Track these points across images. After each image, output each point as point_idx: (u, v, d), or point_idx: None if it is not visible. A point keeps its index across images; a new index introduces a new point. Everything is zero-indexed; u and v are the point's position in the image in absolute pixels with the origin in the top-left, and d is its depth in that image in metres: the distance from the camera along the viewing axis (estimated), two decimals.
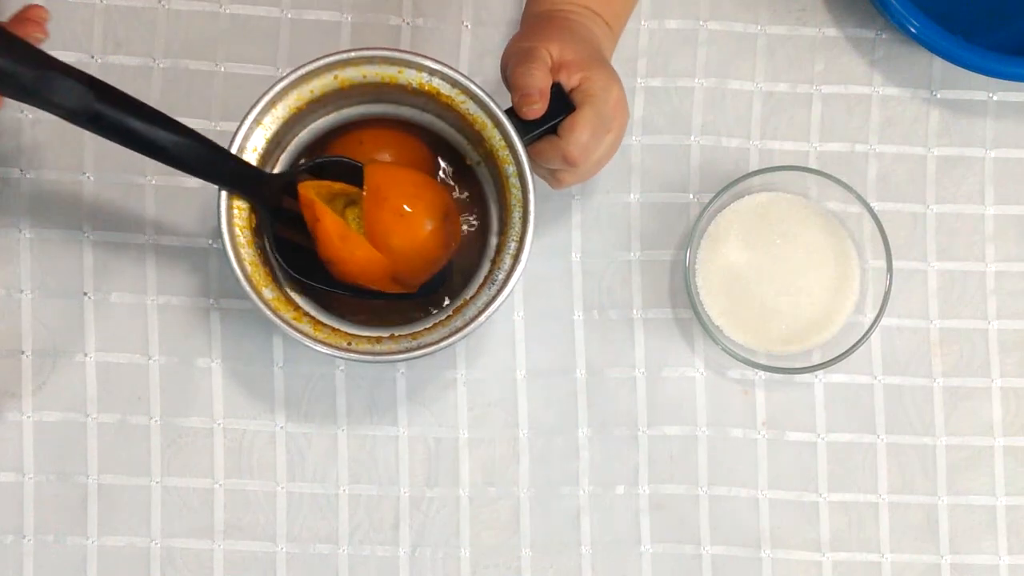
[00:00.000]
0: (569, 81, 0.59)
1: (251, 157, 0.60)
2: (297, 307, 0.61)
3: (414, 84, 0.60)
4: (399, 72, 0.60)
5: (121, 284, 0.70)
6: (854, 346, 0.68)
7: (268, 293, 0.60)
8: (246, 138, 0.60)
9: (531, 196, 0.60)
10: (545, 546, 0.70)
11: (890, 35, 0.72)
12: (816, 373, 0.71)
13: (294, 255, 0.61)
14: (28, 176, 0.70)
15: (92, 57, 0.70)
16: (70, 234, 0.70)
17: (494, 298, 0.60)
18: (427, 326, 0.61)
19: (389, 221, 0.60)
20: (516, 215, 0.60)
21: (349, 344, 0.60)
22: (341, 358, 0.60)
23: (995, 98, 0.72)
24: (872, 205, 0.69)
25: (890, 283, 0.68)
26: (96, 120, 0.55)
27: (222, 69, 0.71)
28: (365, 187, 0.60)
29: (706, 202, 0.69)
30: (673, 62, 0.72)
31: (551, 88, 0.60)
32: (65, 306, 0.70)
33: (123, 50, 0.71)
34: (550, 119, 0.60)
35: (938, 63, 0.72)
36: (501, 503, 0.70)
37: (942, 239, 0.72)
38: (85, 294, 0.70)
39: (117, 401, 0.70)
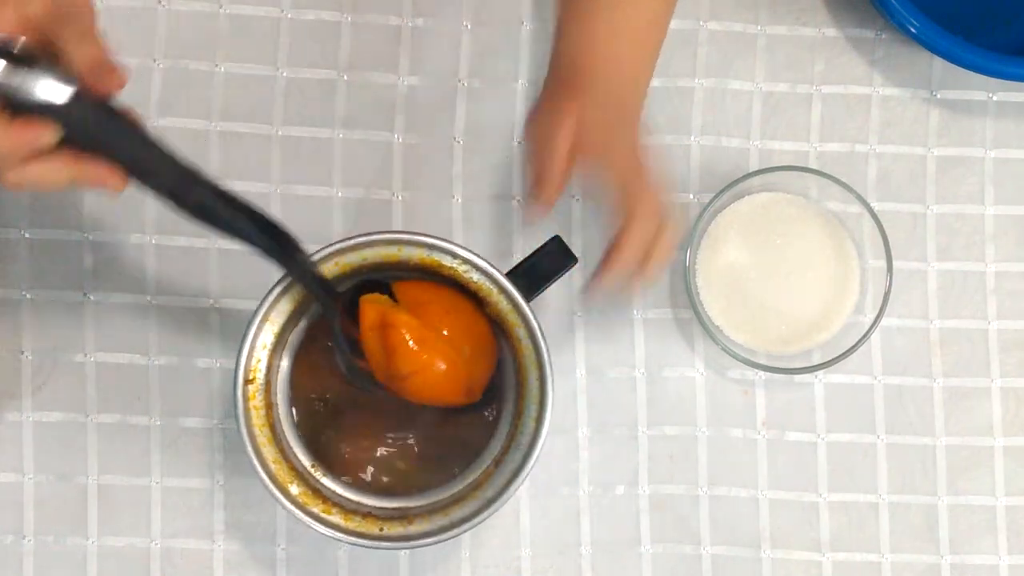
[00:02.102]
0: (584, 167, 0.59)
1: (262, 355, 0.61)
2: (325, 499, 0.61)
3: (415, 260, 0.61)
4: (399, 250, 0.60)
5: (121, 284, 0.70)
6: (854, 346, 0.68)
7: (295, 489, 0.61)
8: (256, 337, 0.60)
9: (545, 358, 0.60)
10: (545, 546, 0.70)
11: (890, 35, 0.72)
12: (816, 373, 0.71)
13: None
14: None
15: None
16: (70, 234, 0.70)
17: (522, 465, 0.60)
18: (453, 492, 0.62)
19: (440, 330, 0.59)
20: (532, 376, 0.61)
21: (381, 530, 0.60)
22: (374, 548, 0.61)
23: (995, 98, 0.72)
24: (872, 205, 0.69)
25: (890, 283, 0.68)
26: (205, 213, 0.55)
27: (222, 69, 0.71)
28: (401, 301, 0.60)
29: (706, 202, 0.69)
30: (673, 62, 0.72)
31: (553, 242, 0.61)
32: (65, 306, 0.70)
33: (123, 50, 0.70)
34: (552, 276, 0.62)
35: (938, 63, 0.72)
36: None
37: (942, 239, 0.72)
38: (85, 294, 0.70)
39: (117, 401, 0.70)
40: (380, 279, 0.61)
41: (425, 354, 0.58)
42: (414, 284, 0.61)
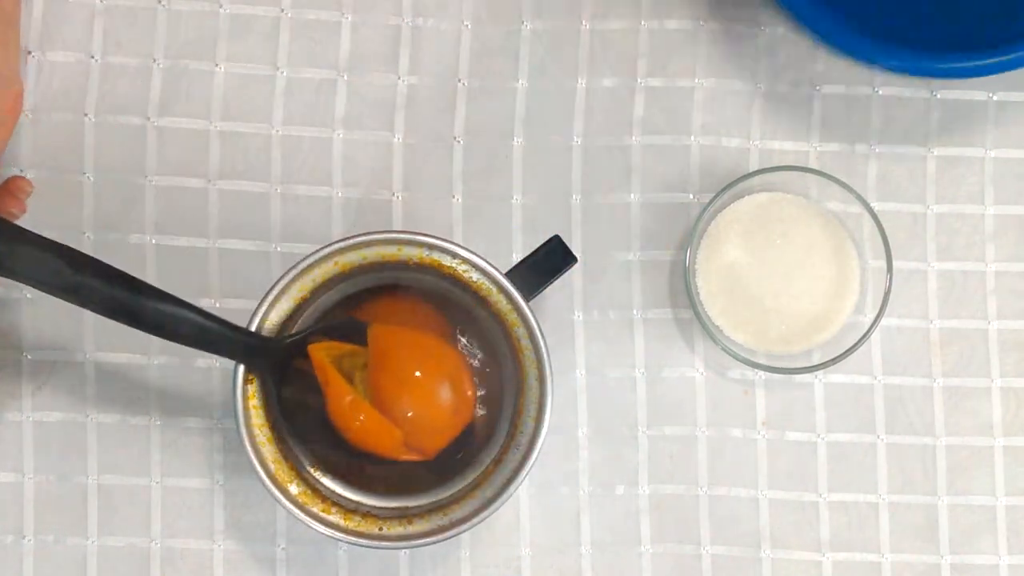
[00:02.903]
0: None
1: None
2: (325, 498, 0.61)
3: (415, 259, 0.61)
4: (399, 250, 0.61)
5: None
6: (854, 346, 0.68)
7: (294, 489, 0.60)
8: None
9: (545, 358, 0.60)
10: (545, 546, 0.70)
11: None
12: (816, 373, 0.71)
13: (307, 416, 0.61)
14: (28, 176, 0.70)
15: (92, 57, 0.70)
16: (69, 234, 0.70)
17: (521, 464, 0.61)
18: (453, 492, 0.62)
19: (393, 388, 0.59)
20: (532, 376, 0.61)
21: (381, 530, 0.61)
22: (374, 547, 0.61)
23: (995, 98, 0.72)
24: (872, 205, 0.69)
25: (890, 283, 0.68)
26: (75, 291, 0.55)
27: (222, 69, 0.71)
28: (369, 351, 0.59)
29: (706, 202, 0.69)
30: (673, 62, 0.72)
31: (553, 241, 0.62)
32: (64, 306, 0.69)
33: (123, 50, 0.71)
34: (552, 275, 0.62)
35: None
36: None
37: (942, 239, 0.72)
38: None
39: (117, 401, 0.70)
40: (361, 323, 0.60)
41: (354, 417, 0.59)
42: (393, 331, 0.61)
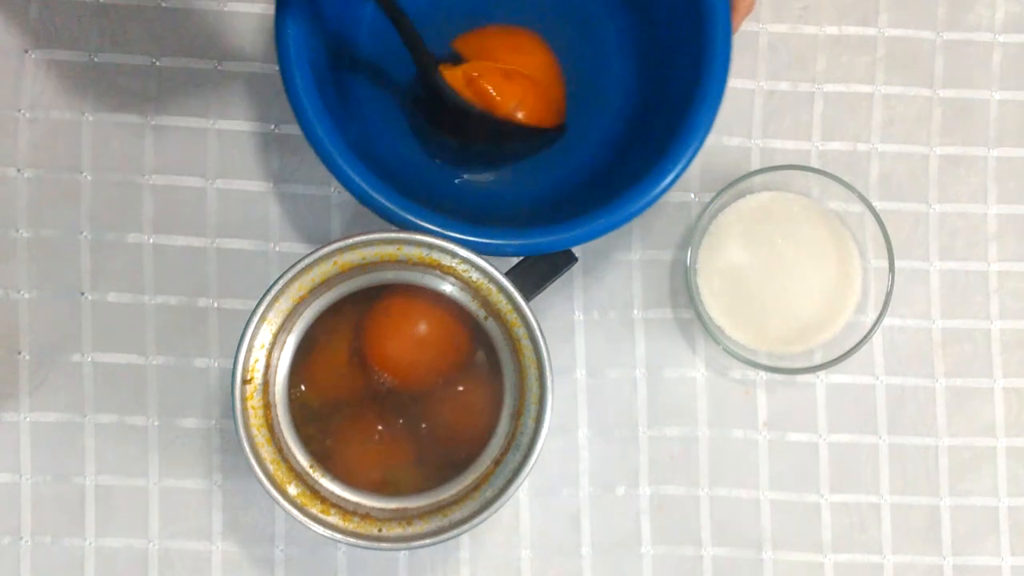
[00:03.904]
0: None
1: (259, 355, 0.60)
2: (324, 499, 0.61)
3: (414, 259, 0.61)
4: (398, 249, 0.60)
5: (119, 284, 0.70)
6: (856, 346, 0.68)
7: (293, 490, 0.60)
8: (254, 336, 0.60)
9: (545, 358, 0.60)
10: (545, 547, 0.70)
11: (891, 33, 0.72)
12: (818, 373, 0.70)
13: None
14: (25, 175, 0.70)
15: (91, 57, 0.70)
16: (67, 234, 0.70)
17: (521, 465, 0.60)
18: (452, 492, 0.61)
19: (508, 61, 0.66)
20: (532, 375, 0.61)
21: (380, 531, 0.60)
22: (373, 548, 0.60)
23: (997, 96, 0.72)
24: (874, 204, 0.68)
25: (892, 283, 0.68)
26: None
27: (221, 67, 0.71)
28: (468, 56, 0.66)
29: (707, 202, 0.69)
30: None
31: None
32: (62, 306, 0.69)
33: (123, 50, 0.70)
34: (552, 276, 0.62)
35: (940, 61, 0.72)
36: None
37: (944, 238, 0.72)
38: (82, 294, 0.69)
39: (115, 402, 0.69)
40: (443, 55, 0.66)
41: (516, 85, 0.65)
42: (473, 35, 0.67)
